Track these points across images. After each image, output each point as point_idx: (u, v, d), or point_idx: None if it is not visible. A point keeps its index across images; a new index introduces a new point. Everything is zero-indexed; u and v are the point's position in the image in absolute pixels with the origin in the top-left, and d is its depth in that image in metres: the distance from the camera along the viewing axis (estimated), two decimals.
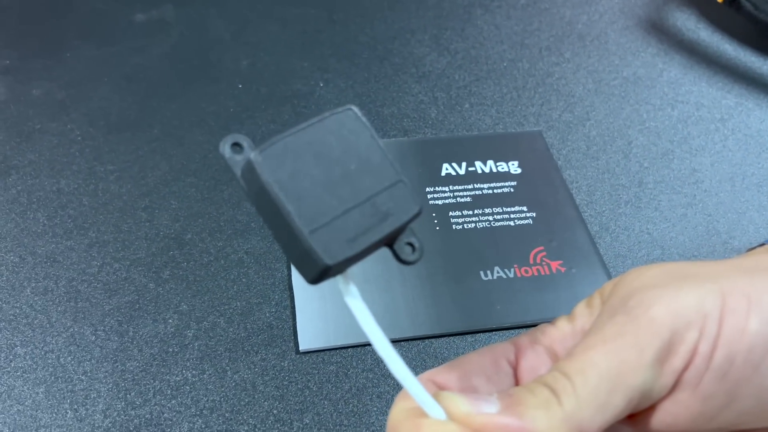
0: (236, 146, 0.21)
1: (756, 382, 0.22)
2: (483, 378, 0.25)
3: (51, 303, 0.41)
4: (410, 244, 0.22)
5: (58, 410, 0.37)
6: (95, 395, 0.37)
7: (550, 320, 0.42)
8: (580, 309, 0.26)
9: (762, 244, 0.29)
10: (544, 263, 0.44)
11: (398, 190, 0.21)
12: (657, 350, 0.22)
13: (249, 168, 0.20)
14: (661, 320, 0.22)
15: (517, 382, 0.26)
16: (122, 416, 0.37)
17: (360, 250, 0.20)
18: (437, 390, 0.25)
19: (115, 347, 0.40)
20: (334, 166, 0.20)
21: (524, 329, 0.42)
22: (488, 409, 0.21)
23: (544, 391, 0.21)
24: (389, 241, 0.22)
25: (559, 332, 0.27)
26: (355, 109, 0.21)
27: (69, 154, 0.50)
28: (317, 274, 0.20)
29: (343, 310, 0.40)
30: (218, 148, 0.21)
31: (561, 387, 0.21)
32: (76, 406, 0.37)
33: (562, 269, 0.44)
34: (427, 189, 0.48)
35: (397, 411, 0.23)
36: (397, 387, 0.38)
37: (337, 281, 0.21)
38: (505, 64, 0.60)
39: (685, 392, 0.23)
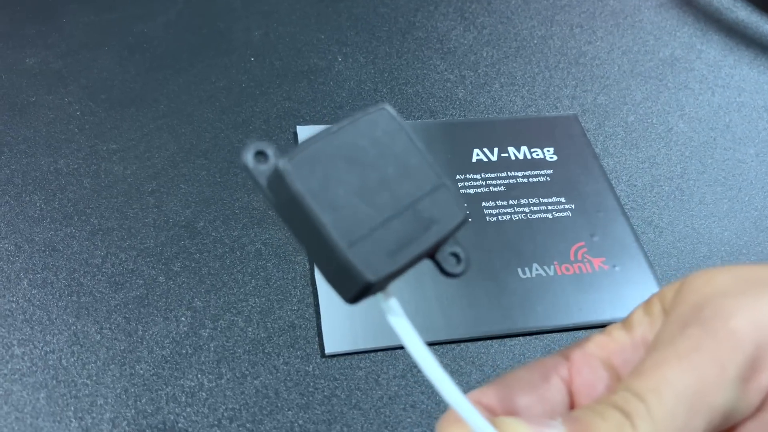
0: (260, 155, 0.19)
1: None
2: (534, 398, 0.23)
3: (51, 297, 0.38)
4: (455, 255, 0.19)
5: (61, 418, 0.33)
6: (102, 402, 0.34)
7: (594, 323, 0.40)
8: (638, 316, 0.24)
9: None
10: (585, 260, 0.41)
11: (441, 194, 0.19)
12: (740, 366, 0.20)
13: (277, 178, 0.18)
14: (743, 333, 0.20)
15: (572, 402, 0.23)
16: (132, 426, 0.33)
17: (403, 263, 0.18)
18: (487, 414, 0.22)
19: (122, 348, 0.36)
20: (370, 172, 0.19)
21: (567, 333, 0.39)
22: None
23: (614, 414, 0.19)
24: (431, 252, 0.19)
25: (615, 343, 0.24)
26: (390, 108, 0.20)
27: (67, 131, 0.46)
28: (357, 292, 0.18)
29: (373, 310, 0.37)
30: (241, 156, 0.19)
31: (633, 409, 0.19)
32: (81, 414, 0.34)
33: (605, 267, 0.41)
34: (458, 176, 0.45)
35: None
36: (433, 396, 0.35)
37: (378, 299, 0.19)
38: (535, 42, 0.56)
39: None
